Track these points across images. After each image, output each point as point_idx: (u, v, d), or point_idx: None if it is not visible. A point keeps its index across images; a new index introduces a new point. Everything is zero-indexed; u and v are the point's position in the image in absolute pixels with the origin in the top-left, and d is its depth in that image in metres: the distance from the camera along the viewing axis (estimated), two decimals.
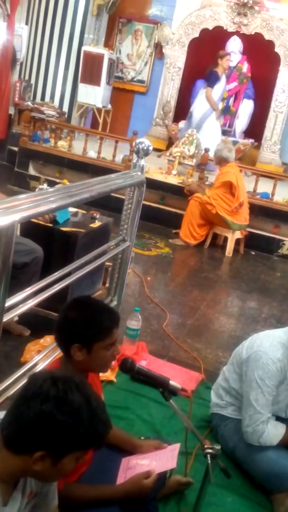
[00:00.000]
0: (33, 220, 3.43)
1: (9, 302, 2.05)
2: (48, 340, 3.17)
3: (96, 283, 4.02)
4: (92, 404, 1.30)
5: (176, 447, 2.10)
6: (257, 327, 4.27)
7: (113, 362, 2.03)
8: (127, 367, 2.01)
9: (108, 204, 5.14)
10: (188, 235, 6.38)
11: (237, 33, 9.26)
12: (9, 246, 1.76)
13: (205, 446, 1.88)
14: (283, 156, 9.61)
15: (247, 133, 9.56)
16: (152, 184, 6.88)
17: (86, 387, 1.35)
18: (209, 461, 1.83)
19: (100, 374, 2.95)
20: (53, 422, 1.25)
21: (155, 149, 9.27)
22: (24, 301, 2.21)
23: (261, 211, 6.76)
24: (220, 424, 2.63)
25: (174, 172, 7.36)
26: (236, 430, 2.48)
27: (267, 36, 9.12)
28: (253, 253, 6.63)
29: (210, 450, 1.86)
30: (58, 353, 2.57)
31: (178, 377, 3.11)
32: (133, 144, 3.11)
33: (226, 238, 6.40)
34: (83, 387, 1.33)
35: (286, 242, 6.70)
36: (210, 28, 9.35)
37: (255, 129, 9.51)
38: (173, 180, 7.16)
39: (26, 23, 9.41)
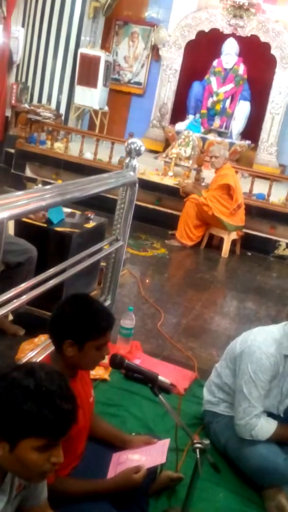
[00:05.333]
0: (27, 220, 3.46)
1: (1, 299, 2.07)
2: (42, 339, 3.18)
3: (91, 283, 4.04)
4: (40, 386, 1.28)
5: (166, 442, 2.11)
6: (252, 326, 4.21)
7: (106, 360, 2.05)
8: (116, 363, 2.02)
9: (104, 205, 5.17)
10: (184, 236, 6.40)
11: (233, 35, 9.27)
12: None
13: (194, 441, 1.89)
14: (280, 157, 9.64)
15: (244, 135, 9.58)
16: (149, 186, 6.92)
17: (43, 371, 1.32)
18: (198, 456, 1.85)
19: (94, 372, 2.99)
20: None
21: (152, 151, 9.39)
22: (16, 297, 2.23)
23: (257, 212, 6.78)
24: (212, 421, 2.65)
25: (170, 173, 7.39)
26: (227, 426, 2.50)
27: (263, 38, 9.15)
28: (249, 254, 6.65)
29: (199, 445, 1.87)
30: (51, 350, 2.60)
31: (171, 376, 3.12)
32: (125, 144, 3.13)
33: (222, 239, 6.42)
34: (37, 371, 1.31)
35: (282, 243, 6.71)
36: (206, 30, 9.37)
37: (252, 131, 9.52)
38: (169, 181, 7.18)
39: (23, 26, 9.45)
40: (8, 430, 1.26)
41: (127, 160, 3.26)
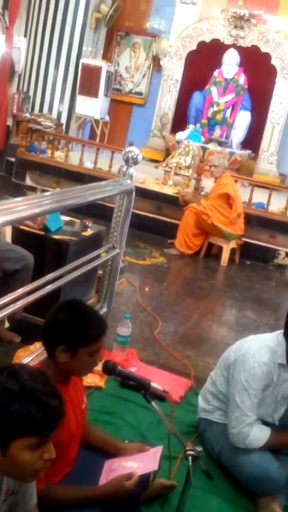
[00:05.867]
0: (25, 227, 3.47)
1: None
2: (38, 346, 3.18)
3: (89, 291, 4.04)
4: (25, 386, 1.28)
5: (158, 450, 2.11)
6: (250, 335, 4.27)
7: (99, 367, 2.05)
8: (109, 369, 2.02)
9: (103, 213, 5.19)
10: (183, 244, 6.41)
11: (234, 45, 9.36)
12: None
13: (187, 448, 1.89)
14: (280, 167, 9.67)
15: (244, 144, 9.63)
16: (148, 195, 6.95)
17: (25, 371, 1.33)
18: (190, 463, 1.84)
19: (89, 380, 2.99)
20: None
21: (153, 160, 9.43)
22: (12, 303, 2.24)
23: (257, 221, 6.79)
24: (207, 429, 2.64)
25: (170, 182, 7.42)
26: (222, 434, 2.49)
27: (263, 49, 9.22)
28: (248, 262, 6.65)
29: (191, 452, 1.87)
30: (44, 357, 2.60)
31: (167, 383, 3.12)
32: (123, 153, 3.15)
33: (221, 248, 6.43)
34: (19, 372, 1.32)
35: (281, 252, 6.72)
36: (207, 40, 9.46)
37: (252, 140, 9.57)
38: (169, 190, 7.21)
39: (25, 36, 9.52)
40: None
41: (124, 168, 3.28)
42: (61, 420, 1.33)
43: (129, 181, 3.22)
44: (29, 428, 1.27)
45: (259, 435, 2.34)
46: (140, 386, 1.98)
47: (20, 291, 2.39)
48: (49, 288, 2.59)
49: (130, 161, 3.23)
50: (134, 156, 3.22)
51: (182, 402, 3.07)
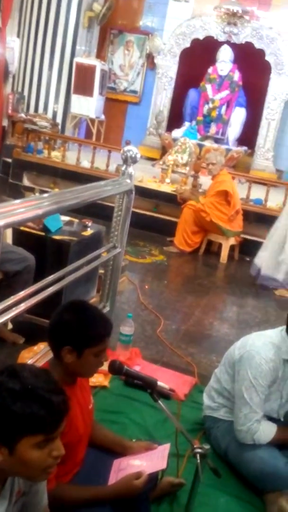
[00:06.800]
0: (25, 228, 3.47)
1: (0, 307, 2.08)
2: (42, 347, 3.18)
3: (90, 290, 4.04)
4: (26, 385, 1.28)
5: (166, 448, 2.11)
6: (251, 331, 4.24)
7: (106, 367, 2.05)
8: (115, 369, 2.03)
9: (102, 212, 5.18)
10: (183, 242, 6.41)
11: (227, 42, 9.35)
12: None
13: (195, 446, 1.89)
14: (276, 163, 9.67)
15: (240, 141, 9.63)
16: (146, 193, 6.95)
17: (26, 370, 1.33)
18: (198, 461, 1.85)
19: (94, 379, 2.99)
20: None
21: (149, 158, 9.42)
22: (15, 305, 2.24)
23: (255, 217, 6.79)
24: (212, 426, 2.65)
25: (167, 180, 7.42)
26: (228, 431, 2.50)
27: (257, 45, 9.22)
28: (248, 259, 6.64)
29: (199, 450, 1.87)
30: (50, 358, 2.60)
31: (172, 382, 3.13)
32: (121, 152, 3.15)
33: (220, 245, 6.44)
34: (20, 371, 1.32)
35: None
36: (201, 38, 9.44)
37: (248, 137, 9.57)
38: (166, 188, 7.21)
39: (18, 36, 9.50)
40: (4, 434, 1.27)
41: (123, 168, 3.28)
42: (66, 416, 1.33)
43: (128, 181, 3.22)
44: (34, 426, 1.26)
45: (267, 430, 2.36)
46: (147, 385, 1.98)
47: (23, 293, 2.39)
48: (52, 289, 2.58)
49: (129, 160, 3.23)
50: (133, 155, 3.23)
51: (187, 400, 3.08)
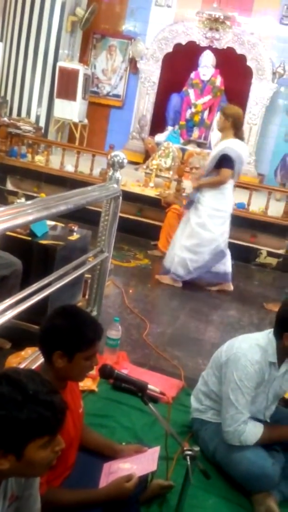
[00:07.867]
0: (11, 233, 3.46)
1: None
2: (29, 352, 3.19)
3: (76, 295, 4.05)
4: (27, 391, 1.30)
5: (156, 450, 2.13)
6: (236, 334, 4.26)
7: (94, 371, 2.07)
8: (106, 373, 2.05)
9: (87, 217, 5.18)
10: (167, 246, 6.41)
11: (209, 47, 9.43)
12: None
13: (184, 448, 1.92)
14: (258, 167, 9.76)
15: None
16: (130, 197, 6.95)
17: (21, 375, 1.35)
18: (189, 463, 1.87)
19: (82, 384, 3.00)
20: None
21: (132, 162, 9.43)
22: (2, 312, 2.24)
23: (238, 221, 6.82)
24: (200, 429, 2.68)
25: (151, 184, 7.46)
26: (215, 433, 2.53)
27: (239, 50, 9.31)
28: (231, 262, 6.69)
29: (189, 452, 1.90)
30: (38, 364, 2.61)
31: (159, 385, 3.09)
32: (108, 157, 3.17)
33: None
34: (16, 377, 1.33)
35: (263, 251, 6.80)
36: (183, 43, 9.51)
37: None
38: (150, 192, 7.25)
39: (1, 40, 9.50)
40: (13, 442, 1.29)
41: (110, 173, 3.30)
42: (67, 413, 1.38)
43: (115, 186, 3.25)
44: (42, 429, 1.30)
45: (254, 431, 2.40)
46: (138, 389, 2.01)
47: (9, 300, 2.38)
48: (39, 296, 2.59)
49: (116, 165, 3.26)
50: (120, 161, 3.25)
51: (175, 403, 3.10)
